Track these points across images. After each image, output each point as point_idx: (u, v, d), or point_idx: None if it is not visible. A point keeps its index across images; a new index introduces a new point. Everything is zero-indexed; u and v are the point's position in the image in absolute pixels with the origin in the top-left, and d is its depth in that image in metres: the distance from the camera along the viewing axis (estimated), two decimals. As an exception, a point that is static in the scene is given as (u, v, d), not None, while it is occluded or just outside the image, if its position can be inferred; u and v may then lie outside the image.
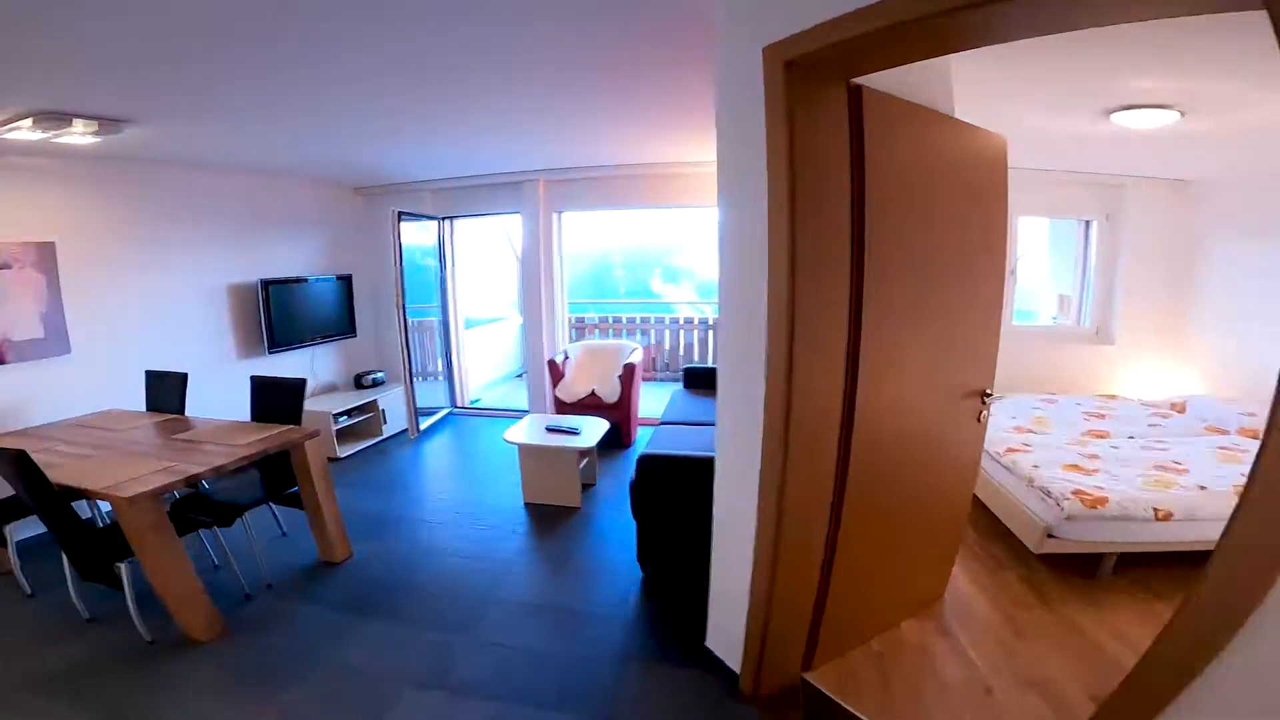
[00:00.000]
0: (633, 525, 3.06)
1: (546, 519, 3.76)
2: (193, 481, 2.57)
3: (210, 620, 2.56)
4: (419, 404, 5.31)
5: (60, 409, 3.48)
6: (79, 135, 2.82)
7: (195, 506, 2.88)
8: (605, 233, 11.85)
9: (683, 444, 3.51)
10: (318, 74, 2.47)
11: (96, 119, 2.74)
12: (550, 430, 3.95)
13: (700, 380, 4.94)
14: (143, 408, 3.64)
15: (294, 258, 5.09)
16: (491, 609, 2.82)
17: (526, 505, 3.92)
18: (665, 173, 5.09)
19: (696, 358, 7.64)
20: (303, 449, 2.97)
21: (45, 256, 3.43)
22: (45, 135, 2.73)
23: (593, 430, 4.00)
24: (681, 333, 7.76)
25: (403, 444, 5.16)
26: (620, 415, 4.90)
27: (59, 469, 2.56)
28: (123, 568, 2.42)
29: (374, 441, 5.14)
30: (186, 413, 3.51)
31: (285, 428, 3.08)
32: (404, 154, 4.43)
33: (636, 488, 2.96)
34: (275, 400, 3.31)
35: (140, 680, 2.31)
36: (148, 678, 2.33)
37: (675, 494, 2.87)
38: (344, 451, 4.82)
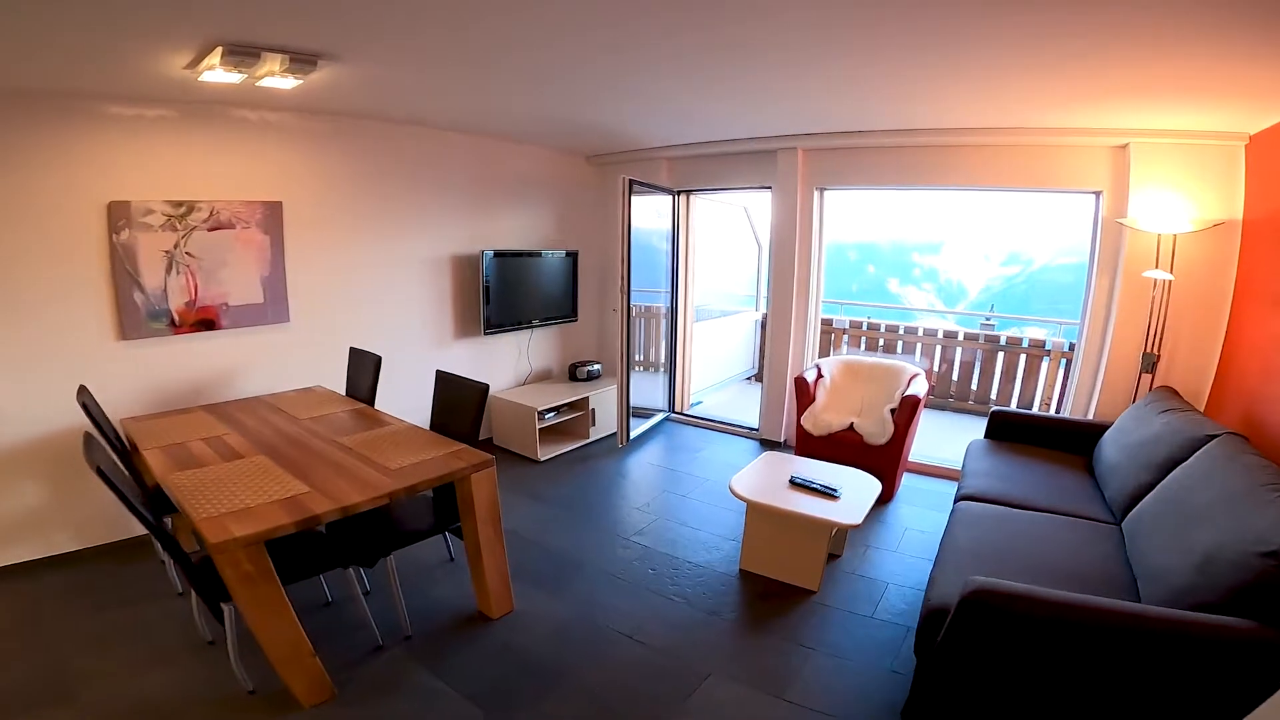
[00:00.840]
0: (902, 653, 2.26)
1: (768, 601, 2.64)
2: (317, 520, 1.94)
3: (314, 684, 1.99)
4: (632, 403, 4.53)
5: (273, 381, 3.32)
6: (278, 77, 2.40)
7: (352, 531, 2.32)
8: (835, 219, 9.90)
9: (1023, 544, 2.15)
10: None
11: (285, 52, 2.27)
12: (796, 485, 2.77)
13: (1018, 430, 3.30)
14: (345, 385, 3.34)
15: (519, 229, 4.63)
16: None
17: (743, 573, 2.83)
18: (986, 142, 3.56)
19: (975, 385, 5.74)
20: (469, 482, 2.24)
21: (271, 217, 3.24)
22: (242, 75, 2.35)
23: (858, 493, 2.72)
24: (959, 350, 5.89)
25: (608, 452, 4.42)
26: (886, 461, 3.51)
27: (197, 472, 2.16)
28: (225, 610, 1.90)
29: (578, 445, 4.49)
30: (378, 400, 3.09)
31: (454, 448, 2.38)
32: (642, 115, 3.59)
33: (951, 631, 1.66)
34: (454, 404, 2.66)
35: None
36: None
37: (1025, 656, 1.60)
38: (544, 454, 4.22)
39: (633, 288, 4.32)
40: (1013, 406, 5.52)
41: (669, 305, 5.09)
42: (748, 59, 2.45)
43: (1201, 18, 1.81)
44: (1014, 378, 5.58)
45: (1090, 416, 3.47)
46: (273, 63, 2.33)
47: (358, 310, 3.70)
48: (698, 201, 5.04)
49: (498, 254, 4.24)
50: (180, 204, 2.97)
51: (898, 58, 2.37)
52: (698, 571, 2.86)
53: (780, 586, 2.72)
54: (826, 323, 6.36)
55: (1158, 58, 2.16)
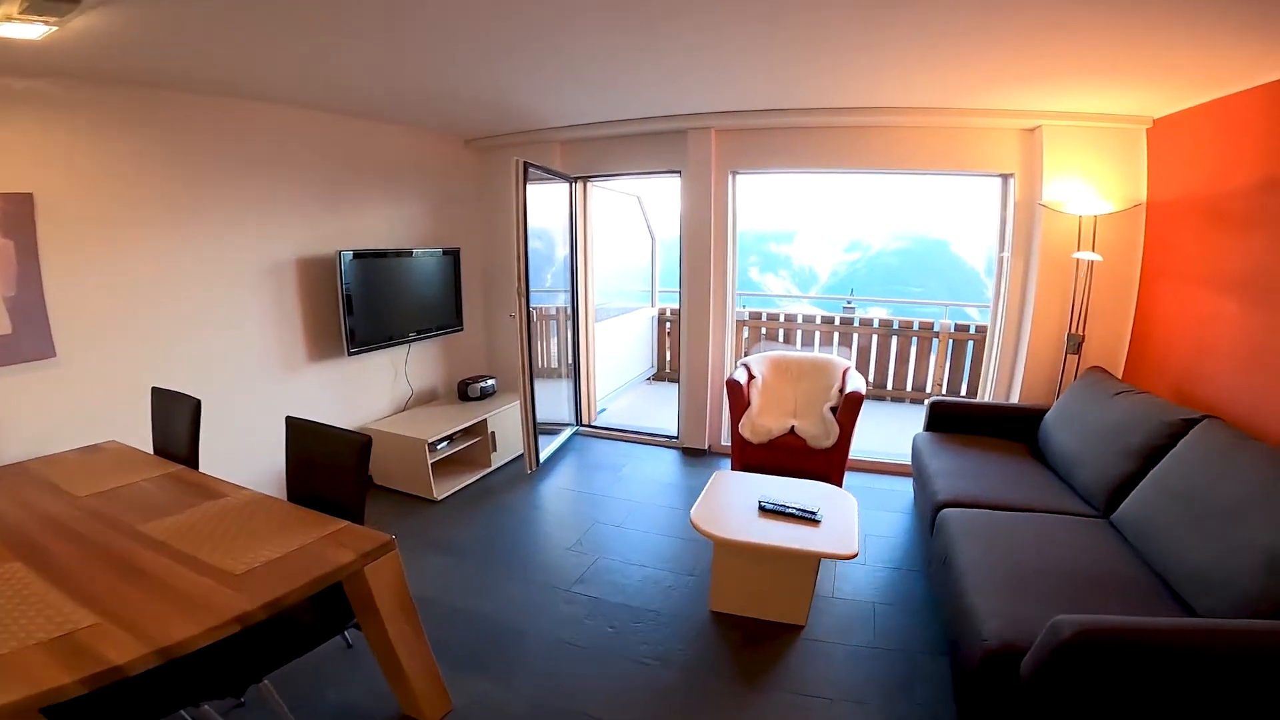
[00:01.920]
0: (923, 685, 1.99)
1: (756, 647, 2.23)
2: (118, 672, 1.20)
3: None
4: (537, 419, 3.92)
5: (37, 439, 2.31)
6: (16, 22, 1.60)
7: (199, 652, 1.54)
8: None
9: (1036, 554, 1.95)
10: None
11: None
12: (768, 511, 2.37)
13: (957, 420, 3.19)
14: (152, 440, 2.41)
15: (386, 225, 3.81)
16: None
17: (715, 615, 2.39)
18: (900, 123, 3.40)
19: (872, 371, 5.79)
20: (362, 577, 1.56)
21: (15, 215, 2.23)
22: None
23: (839, 514, 2.37)
24: (855, 336, 5.93)
25: (517, 480, 3.78)
26: (831, 464, 3.26)
27: None
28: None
29: (481, 476, 3.80)
30: (205, 458, 2.24)
31: (330, 529, 1.67)
32: (531, 87, 2.99)
33: (1047, 675, 1.38)
34: (321, 465, 1.91)
35: None
36: None
37: (1141, 692, 1.35)
38: (441, 491, 3.49)
39: (530, 288, 3.71)
40: (908, 388, 5.67)
41: (569, 305, 4.53)
42: (658, 20, 2.06)
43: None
44: (907, 360, 5.72)
45: (1015, 401, 3.47)
46: (8, 2, 1.52)
47: (163, 336, 2.73)
48: (594, 190, 4.52)
49: (359, 255, 3.42)
50: None
51: (816, 27, 2.13)
52: (663, 621, 2.37)
53: (763, 626, 2.32)
54: (725, 317, 6.15)
55: (1068, 37, 2.08)
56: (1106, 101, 2.87)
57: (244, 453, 3.00)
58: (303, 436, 1.97)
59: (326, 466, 1.88)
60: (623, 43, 2.33)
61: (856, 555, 2.10)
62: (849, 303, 6.81)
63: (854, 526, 2.27)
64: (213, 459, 2.32)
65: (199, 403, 2.19)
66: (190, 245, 2.81)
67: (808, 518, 2.30)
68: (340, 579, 1.51)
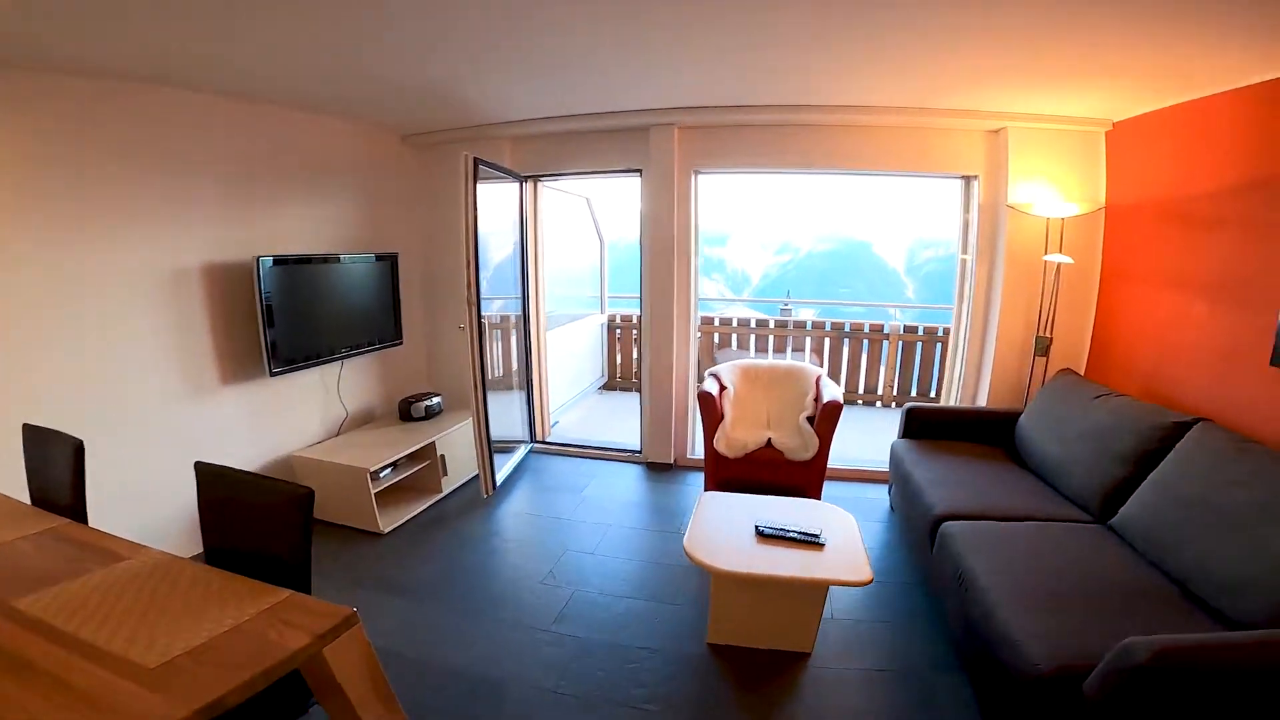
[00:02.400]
0: (950, 710, 1.85)
1: (756, 679, 2.06)
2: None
3: None
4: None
5: None
6: None
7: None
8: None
9: (1049, 565, 1.94)
10: None
11: None
12: (767, 536, 2.18)
13: (933, 426, 3.14)
14: (28, 487, 1.95)
15: (311, 228, 3.38)
16: None
17: (712, 648, 2.19)
18: (865, 122, 3.32)
19: (845, 381, 5.74)
20: (321, 661, 1.24)
21: None
22: None
23: (843, 535, 2.21)
24: (808, 340, 5.93)
25: (472, 506, 3.44)
26: (810, 476, 3.14)
27: None
28: None
29: (431, 503, 3.43)
30: (94, 510, 1.81)
31: (269, 602, 1.32)
32: (481, 75, 2.69)
33: (1119, 699, 1.29)
34: (248, 520, 1.55)
35: None
36: None
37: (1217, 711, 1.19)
38: (388, 523, 3.11)
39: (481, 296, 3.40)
40: (860, 390, 5.69)
41: (521, 313, 4.22)
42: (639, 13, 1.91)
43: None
44: (859, 362, 5.75)
45: (982, 404, 3.46)
46: None
47: (37, 361, 2.24)
48: (543, 190, 4.24)
49: (281, 261, 2.98)
50: None
51: (798, 23, 2.02)
52: (658, 659, 2.14)
53: (768, 656, 2.14)
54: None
55: (1066, 33, 2.03)
56: (1070, 104, 2.89)
57: (145, 499, 2.56)
58: (218, 485, 1.59)
59: (253, 521, 1.53)
60: (599, 32, 2.12)
61: (871, 581, 1.95)
62: (785, 305, 6.82)
63: (862, 549, 2.12)
64: (105, 508, 1.90)
65: (80, 444, 1.75)
66: (71, 251, 2.33)
67: (811, 542, 2.13)
68: (295, 667, 1.19)
